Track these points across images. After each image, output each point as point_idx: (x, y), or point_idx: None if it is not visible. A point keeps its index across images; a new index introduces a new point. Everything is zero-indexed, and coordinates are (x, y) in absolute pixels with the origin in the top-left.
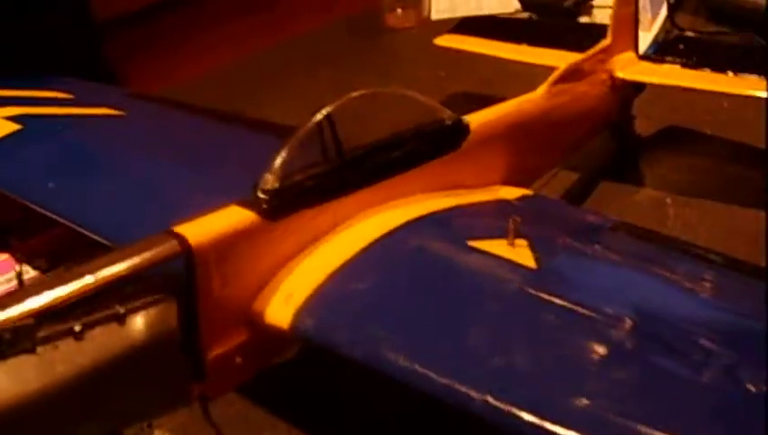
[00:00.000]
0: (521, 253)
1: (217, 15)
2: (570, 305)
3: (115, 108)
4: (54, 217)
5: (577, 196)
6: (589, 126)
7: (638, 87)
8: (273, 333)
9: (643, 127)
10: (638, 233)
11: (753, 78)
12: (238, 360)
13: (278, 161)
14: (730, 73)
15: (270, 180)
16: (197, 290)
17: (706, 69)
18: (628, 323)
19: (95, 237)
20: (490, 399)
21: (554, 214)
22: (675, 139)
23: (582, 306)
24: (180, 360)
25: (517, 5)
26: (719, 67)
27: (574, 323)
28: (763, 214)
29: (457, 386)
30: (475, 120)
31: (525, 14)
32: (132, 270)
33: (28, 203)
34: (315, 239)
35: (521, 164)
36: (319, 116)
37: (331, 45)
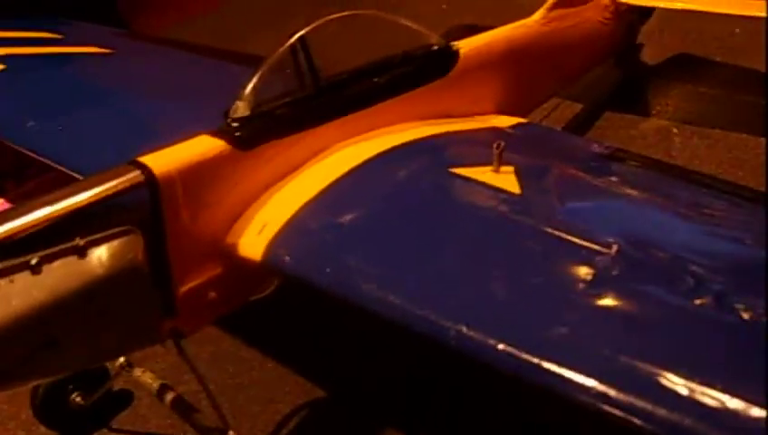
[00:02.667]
0: (506, 179)
1: None
2: (553, 231)
3: (103, 46)
4: (42, 159)
5: (579, 126)
6: (591, 53)
7: (645, 13)
8: (248, 266)
9: (651, 54)
10: (637, 160)
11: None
12: (212, 294)
13: (249, 88)
14: None
15: (241, 108)
16: (165, 222)
17: None
18: (615, 249)
19: (77, 175)
20: (464, 329)
21: (548, 142)
22: (683, 66)
23: (567, 232)
24: (149, 295)
25: None
26: None
27: (556, 250)
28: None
29: (431, 316)
30: (466, 46)
31: None
32: (93, 201)
33: (10, 143)
34: (291, 169)
35: (516, 92)
36: (292, 40)
37: None
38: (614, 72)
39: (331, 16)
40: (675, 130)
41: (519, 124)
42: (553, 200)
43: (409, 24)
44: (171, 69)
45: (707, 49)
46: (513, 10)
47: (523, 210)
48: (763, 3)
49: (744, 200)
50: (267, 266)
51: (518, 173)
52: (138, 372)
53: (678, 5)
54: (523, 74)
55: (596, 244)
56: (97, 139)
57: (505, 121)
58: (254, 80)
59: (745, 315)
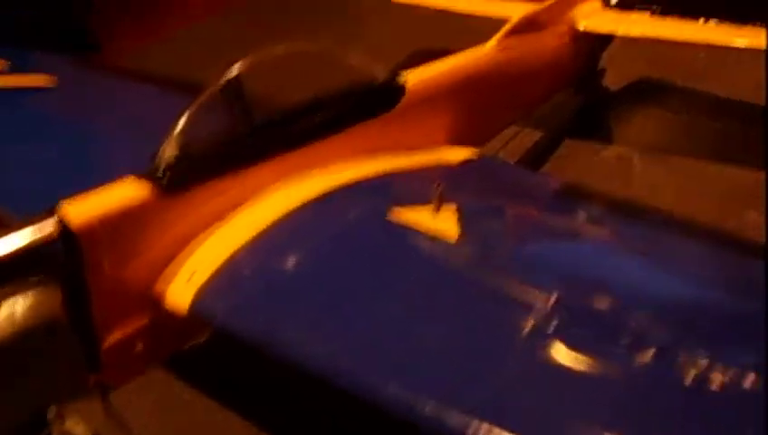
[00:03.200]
0: (445, 221)
1: None
2: (490, 280)
3: (48, 77)
4: None
5: (539, 155)
6: (550, 80)
7: (606, 38)
8: (176, 316)
9: (614, 79)
10: (589, 196)
11: (728, 26)
12: (139, 346)
13: (178, 129)
14: (704, 21)
15: (168, 150)
16: (85, 272)
17: (677, 17)
18: (554, 298)
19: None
20: (389, 388)
21: (497, 177)
22: (646, 91)
23: (505, 280)
24: (69, 349)
25: None
26: (693, 14)
27: (491, 300)
28: (733, 170)
29: (354, 374)
30: (413, 78)
31: None
32: (7, 253)
33: None
34: (223, 213)
35: (470, 122)
36: (224, 79)
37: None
38: (575, 99)
39: (265, 52)
40: (635, 158)
41: (468, 158)
42: (494, 244)
43: (354, 56)
44: (116, 100)
45: (670, 73)
46: (477, 34)
47: (460, 257)
48: (722, 29)
49: (698, 239)
50: (195, 316)
51: (459, 213)
52: (70, 423)
53: (636, 33)
54: (476, 104)
55: (535, 292)
56: (29, 178)
57: (456, 154)
58: (183, 120)
59: (688, 373)
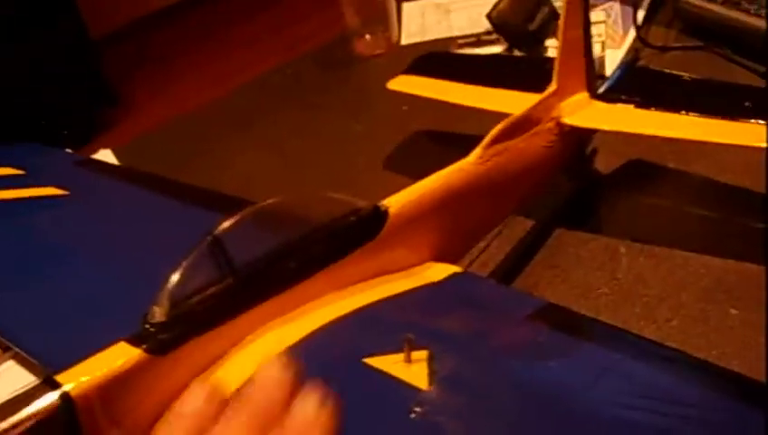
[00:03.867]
0: (415, 370)
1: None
2: (455, 430)
3: (61, 184)
4: None
5: (529, 247)
6: (537, 178)
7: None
8: None
9: (606, 161)
10: (562, 321)
11: (717, 120)
12: None
13: (166, 291)
14: (695, 115)
15: (157, 313)
16: None
17: (663, 109)
18: None
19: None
20: None
21: (475, 300)
22: (636, 175)
23: (469, 429)
24: None
25: (487, 25)
26: (679, 106)
27: None
28: (718, 262)
29: None
30: (395, 203)
31: (494, 36)
32: (7, 430)
33: None
34: (209, 364)
35: (453, 236)
36: (209, 238)
37: (299, 80)
38: (566, 185)
39: (250, 209)
40: (622, 250)
41: (452, 277)
42: (463, 392)
43: (336, 196)
44: (132, 217)
45: (661, 153)
46: (475, 113)
47: (426, 408)
48: (712, 124)
49: (678, 373)
50: None
51: (429, 360)
52: None
53: (622, 128)
54: (461, 217)
55: None
56: (38, 315)
57: (439, 273)
58: (170, 282)
59: None
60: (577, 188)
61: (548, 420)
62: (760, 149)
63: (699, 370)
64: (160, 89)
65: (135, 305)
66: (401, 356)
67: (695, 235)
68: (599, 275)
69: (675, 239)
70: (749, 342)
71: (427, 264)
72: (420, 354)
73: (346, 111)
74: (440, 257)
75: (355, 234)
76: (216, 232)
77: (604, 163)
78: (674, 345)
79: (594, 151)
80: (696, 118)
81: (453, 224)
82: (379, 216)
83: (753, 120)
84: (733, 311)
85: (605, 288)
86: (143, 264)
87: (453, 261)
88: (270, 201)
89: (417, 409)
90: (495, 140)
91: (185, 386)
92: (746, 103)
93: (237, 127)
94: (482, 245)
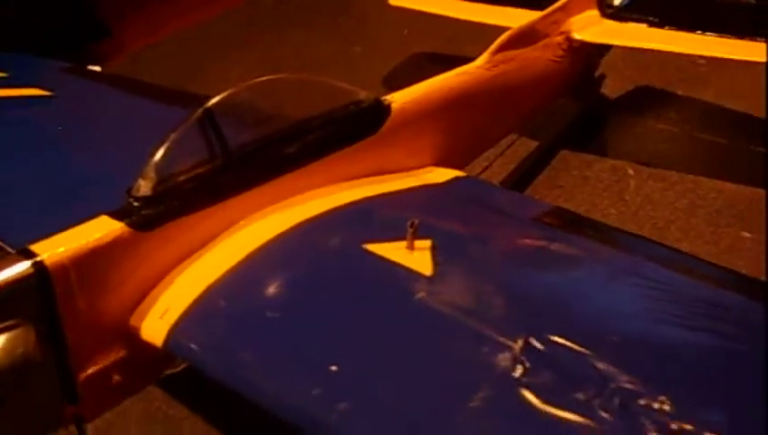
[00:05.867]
0: (418, 257)
1: None
2: (459, 319)
3: (45, 87)
4: None
5: (533, 166)
6: (544, 92)
7: (605, 47)
8: (151, 350)
9: (613, 87)
10: (573, 224)
11: (726, 39)
12: (116, 378)
13: (152, 164)
14: (702, 33)
15: (142, 186)
16: (59, 310)
17: (674, 28)
18: (520, 344)
19: None
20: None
21: (480, 202)
22: (644, 101)
23: (473, 323)
24: (46, 385)
25: None
26: (690, 26)
27: (458, 344)
28: (729, 186)
29: (310, 410)
30: (399, 99)
31: None
32: None
33: None
34: (197, 247)
35: (458, 141)
36: (198, 111)
37: (299, 3)
38: (572, 107)
39: (242, 85)
40: (630, 172)
41: (455, 180)
42: (466, 281)
43: (335, 83)
44: (114, 114)
45: (670, 80)
46: (475, 35)
47: (432, 293)
48: (720, 42)
49: (684, 273)
50: (168, 352)
51: (433, 249)
52: None
53: (633, 44)
54: (465, 123)
55: (501, 337)
56: (22, 200)
57: (442, 176)
58: (158, 155)
59: (650, 419)
60: (584, 110)
61: (552, 316)
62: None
63: (712, 270)
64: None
65: (116, 192)
66: (403, 243)
67: (703, 160)
68: (605, 196)
69: (683, 163)
70: (760, 264)
71: (429, 168)
72: (423, 243)
73: (345, 34)
74: (442, 162)
75: (356, 125)
76: (209, 105)
77: (613, 88)
78: None
79: (603, 76)
80: (707, 36)
81: (456, 128)
82: (382, 109)
83: (759, 39)
84: (744, 234)
85: (612, 209)
86: (124, 157)
87: (457, 168)
88: (267, 78)
89: (422, 294)
90: (503, 47)
91: (171, 267)
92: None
93: (236, 46)
94: (484, 163)
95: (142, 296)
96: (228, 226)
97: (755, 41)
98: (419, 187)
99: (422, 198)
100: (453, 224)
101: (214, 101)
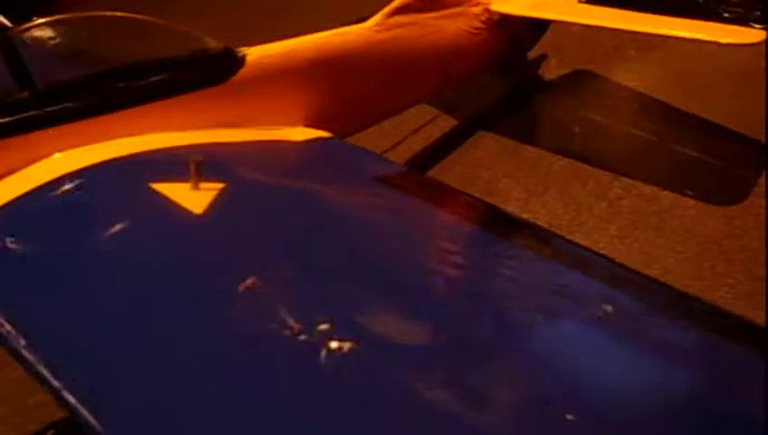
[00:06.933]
0: (196, 197)
1: None
2: (210, 261)
3: None
4: None
5: (445, 144)
6: (456, 65)
7: (541, 23)
8: None
9: (558, 67)
10: (416, 186)
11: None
12: None
13: None
14: (636, 13)
15: None
16: None
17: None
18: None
19: None
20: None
21: (326, 160)
22: (580, 85)
23: (236, 263)
24: None
25: None
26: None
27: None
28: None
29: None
30: (257, 52)
31: None
32: None
33: None
34: None
35: (341, 104)
36: (3, 36)
37: None
38: (499, 85)
39: (66, 16)
40: (555, 167)
41: (314, 140)
42: (237, 226)
43: (183, 29)
44: None
45: (621, 44)
46: None
47: (186, 235)
48: (646, 18)
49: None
50: None
51: (221, 194)
52: None
53: (553, 17)
54: (345, 86)
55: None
56: None
57: (301, 135)
58: None
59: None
60: (510, 88)
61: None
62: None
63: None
64: None
65: None
66: (188, 184)
67: (621, 156)
68: (504, 180)
69: (604, 160)
70: (703, 227)
71: (298, 128)
72: (212, 185)
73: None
74: (314, 124)
75: (198, 72)
76: (14, 31)
77: (556, 70)
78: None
79: (544, 56)
80: (634, 14)
81: (334, 90)
82: (232, 59)
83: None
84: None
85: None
86: None
87: (335, 133)
88: (100, 13)
89: (180, 231)
90: (400, 10)
91: None
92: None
93: None
94: (398, 138)
95: None
96: (33, 160)
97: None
98: (261, 141)
99: (254, 150)
100: (267, 175)
101: (25, 26)
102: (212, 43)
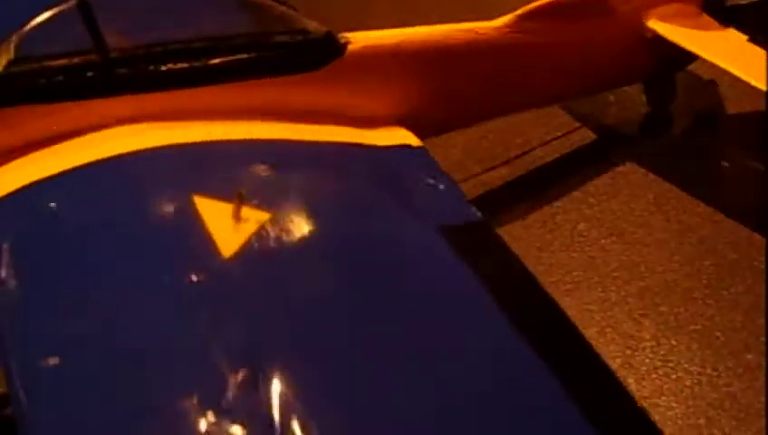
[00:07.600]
0: (233, 231)
1: None
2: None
3: None
4: None
5: (536, 181)
6: (589, 78)
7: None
8: None
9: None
10: (479, 248)
11: None
12: None
13: (13, 40)
14: None
15: (3, 56)
16: None
17: None
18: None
19: None
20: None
21: (392, 184)
22: (737, 130)
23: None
24: None
25: None
26: None
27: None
28: None
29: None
30: (361, 39)
31: None
32: None
33: None
34: (42, 142)
35: (444, 105)
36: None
37: None
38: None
39: None
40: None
41: (397, 148)
42: (257, 288)
43: (283, 8)
44: None
45: None
46: None
47: (206, 282)
48: None
49: None
50: None
51: (263, 229)
52: None
53: (710, 58)
54: (449, 86)
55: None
56: None
57: (387, 138)
58: (18, 35)
59: None
60: (648, 113)
61: None
62: None
63: None
64: None
65: None
66: (231, 208)
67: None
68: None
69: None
70: None
71: (386, 128)
72: (256, 215)
73: None
74: (408, 122)
75: (294, 55)
76: None
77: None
78: None
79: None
80: None
81: (441, 90)
82: (333, 46)
83: None
84: None
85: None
86: None
87: (433, 131)
88: None
89: (201, 276)
90: (538, 14)
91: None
92: None
93: None
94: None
95: None
96: (91, 129)
97: None
98: (335, 143)
99: (324, 157)
100: (322, 204)
101: None
102: (311, 26)
